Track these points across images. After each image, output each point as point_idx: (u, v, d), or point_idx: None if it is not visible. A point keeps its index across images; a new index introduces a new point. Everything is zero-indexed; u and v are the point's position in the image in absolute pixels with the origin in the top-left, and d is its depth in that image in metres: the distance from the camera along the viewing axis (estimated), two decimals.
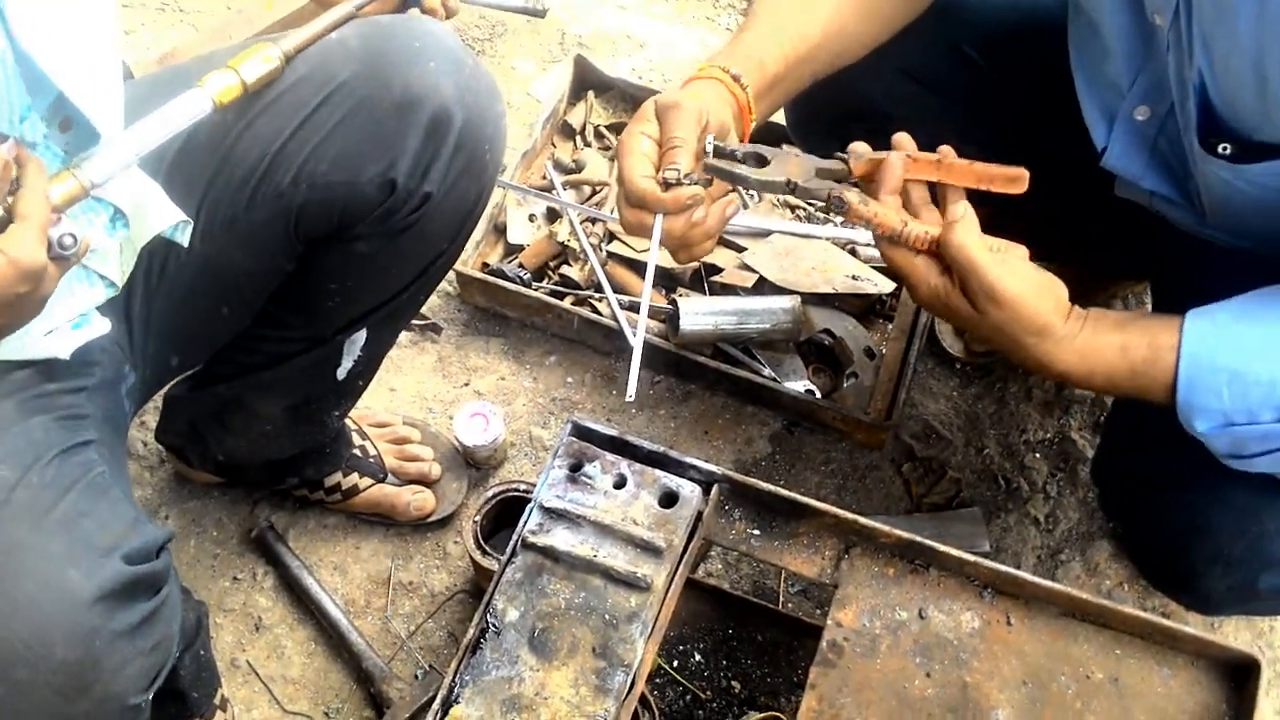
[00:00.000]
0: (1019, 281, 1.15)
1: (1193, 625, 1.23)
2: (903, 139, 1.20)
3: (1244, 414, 1.12)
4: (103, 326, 1.13)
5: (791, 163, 1.19)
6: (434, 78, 1.22)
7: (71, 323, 1.11)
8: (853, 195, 1.16)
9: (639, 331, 1.22)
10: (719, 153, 1.18)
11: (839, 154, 1.20)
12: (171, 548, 1.15)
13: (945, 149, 1.19)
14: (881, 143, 1.26)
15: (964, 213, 1.15)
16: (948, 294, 1.18)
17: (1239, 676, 1.19)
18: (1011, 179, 1.21)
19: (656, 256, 1.20)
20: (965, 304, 1.17)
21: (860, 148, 1.21)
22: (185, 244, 1.16)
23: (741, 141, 1.26)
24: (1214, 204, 1.25)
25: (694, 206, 1.16)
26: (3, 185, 0.94)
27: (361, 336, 1.45)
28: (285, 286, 1.37)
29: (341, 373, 1.49)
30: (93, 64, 1.06)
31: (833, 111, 1.39)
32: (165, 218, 1.13)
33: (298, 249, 1.31)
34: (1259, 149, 1.13)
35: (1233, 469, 1.18)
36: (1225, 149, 1.16)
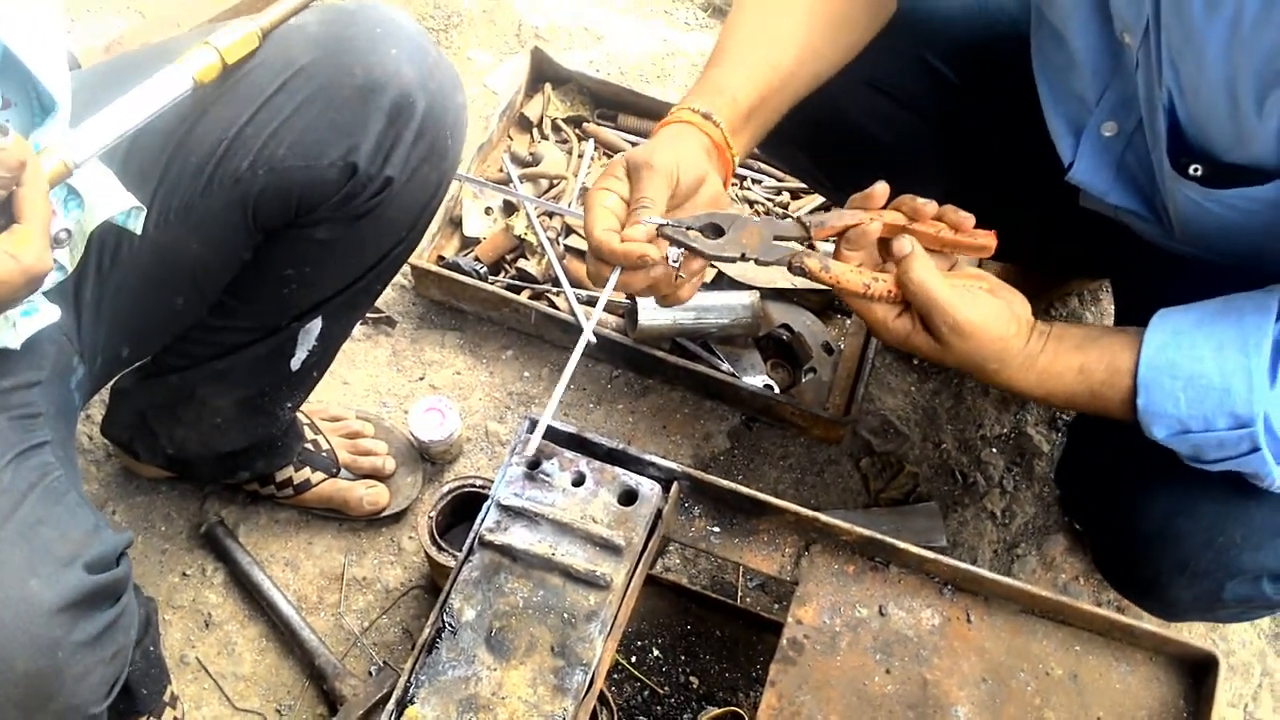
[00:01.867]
0: (981, 311, 1.15)
1: (1150, 622, 1.23)
2: (876, 193, 1.19)
3: (1200, 421, 1.12)
4: (52, 314, 1.10)
5: (749, 230, 1.16)
6: (396, 64, 1.21)
7: (20, 310, 1.08)
8: (813, 262, 1.14)
9: (551, 403, 1.17)
10: (674, 231, 1.16)
11: (798, 217, 1.19)
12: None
13: (919, 207, 1.18)
14: (853, 156, 1.22)
15: (912, 248, 1.14)
16: (909, 334, 1.18)
17: (1197, 672, 1.20)
18: (979, 248, 1.20)
19: (603, 304, 1.19)
20: (928, 340, 1.17)
21: (883, 189, 1.19)
22: (138, 231, 1.13)
23: (726, 179, 1.24)
24: (1182, 222, 1.25)
25: (648, 266, 1.14)
26: (16, 175, 0.92)
27: (316, 326, 1.43)
28: (241, 273, 1.35)
29: (295, 363, 1.47)
30: (38, 32, 1.04)
31: (802, 126, 1.38)
32: (117, 203, 1.10)
33: (256, 238, 1.29)
34: (1230, 171, 1.13)
35: (1199, 473, 1.18)
36: (1196, 170, 1.16)
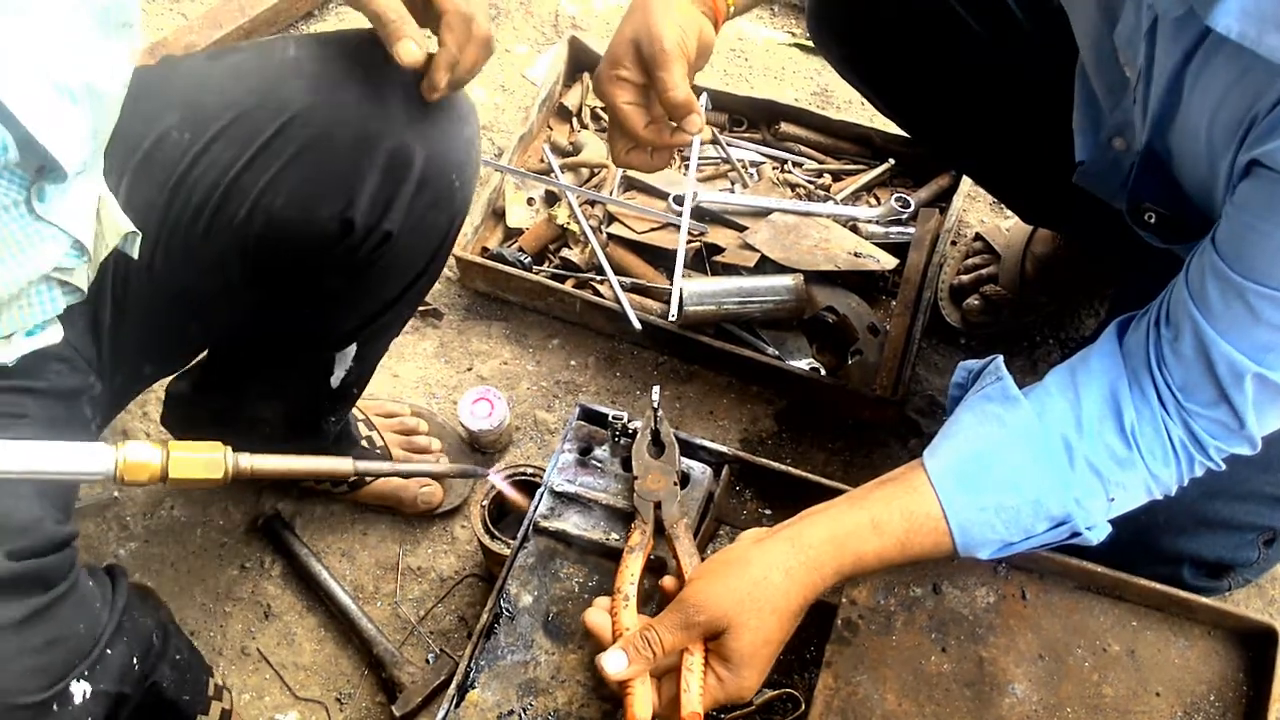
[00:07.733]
0: (703, 592, 1.08)
1: (1207, 597, 1.23)
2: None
3: (1021, 533, 1.13)
4: (54, 336, 1.10)
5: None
6: (391, 112, 1.17)
7: (25, 330, 1.09)
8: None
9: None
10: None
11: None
12: (80, 545, 1.12)
13: None
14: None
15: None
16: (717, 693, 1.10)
17: (1256, 645, 1.19)
18: None
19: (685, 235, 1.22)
20: (749, 674, 1.10)
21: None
22: (135, 255, 1.13)
23: (717, 24, 1.25)
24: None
25: None
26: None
27: (351, 349, 1.44)
28: (265, 309, 1.33)
29: (335, 380, 1.47)
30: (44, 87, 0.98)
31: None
32: (117, 228, 1.10)
33: (260, 280, 1.26)
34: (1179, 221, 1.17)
35: None
36: (1150, 218, 1.20)
